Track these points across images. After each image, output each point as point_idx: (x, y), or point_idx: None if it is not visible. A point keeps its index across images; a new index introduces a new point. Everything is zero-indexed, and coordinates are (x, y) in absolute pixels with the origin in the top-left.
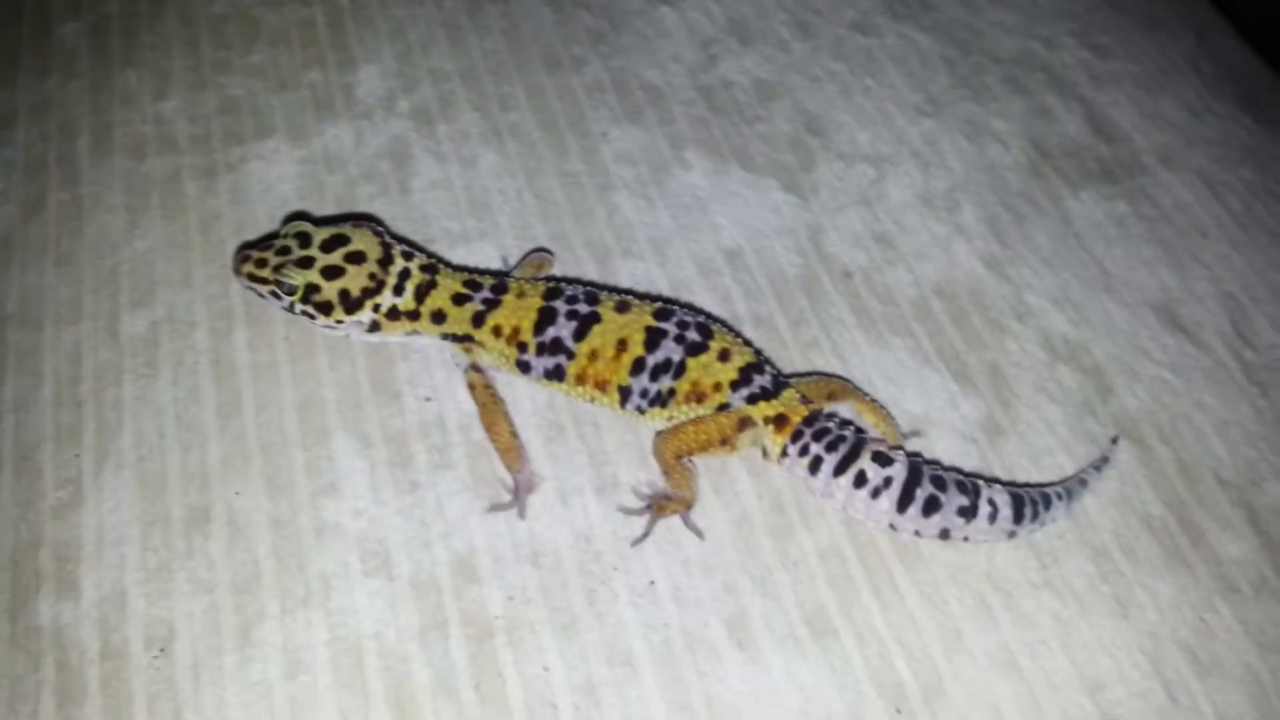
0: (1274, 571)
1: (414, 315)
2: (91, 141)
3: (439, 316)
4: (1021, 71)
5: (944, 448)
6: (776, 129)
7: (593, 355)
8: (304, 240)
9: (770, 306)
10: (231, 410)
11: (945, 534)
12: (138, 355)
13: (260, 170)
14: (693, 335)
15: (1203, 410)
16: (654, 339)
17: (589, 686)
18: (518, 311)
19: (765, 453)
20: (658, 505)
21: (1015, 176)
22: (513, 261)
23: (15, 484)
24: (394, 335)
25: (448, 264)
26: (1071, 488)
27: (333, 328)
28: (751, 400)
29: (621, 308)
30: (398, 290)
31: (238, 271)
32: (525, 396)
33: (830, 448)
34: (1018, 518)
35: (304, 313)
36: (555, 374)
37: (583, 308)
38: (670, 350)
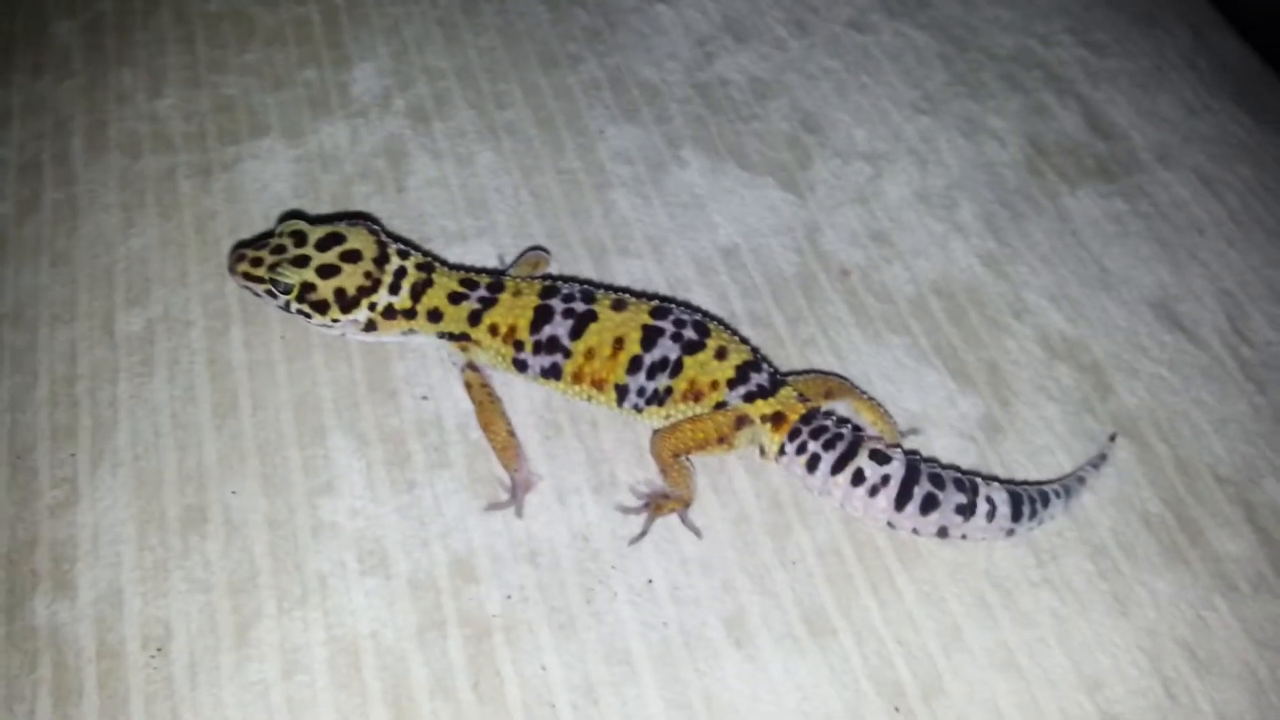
0: (1272, 569)
1: (410, 314)
2: (86, 140)
3: (435, 315)
4: (1018, 69)
5: (942, 445)
6: (773, 127)
7: (589, 354)
8: (299, 239)
9: (767, 304)
10: (227, 409)
11: (943, 532)
12: (133, 354)
13: (255, 169)
14: (690, 333)
15: (1201, 407)
16: (651, 337)
17: (587, 685)
18: (514, 310)
19: (763, 451)
20: (655, 504)
21: (1012, 174)
22: (509, 260)
23: (11, 483)
24: (390, 335)
25: (444, 262)
26: (1070, 485)
27: (328, 326)
28: (749, 398)
29: (618, 306)
30: (393, 289)
31: (233, 270)
32: (522, 395)
33: (828, 446)
34: (1016, 515)
35: (299, 311)
36: (552, 372)
37: (579, 306)
38: (667, 348)
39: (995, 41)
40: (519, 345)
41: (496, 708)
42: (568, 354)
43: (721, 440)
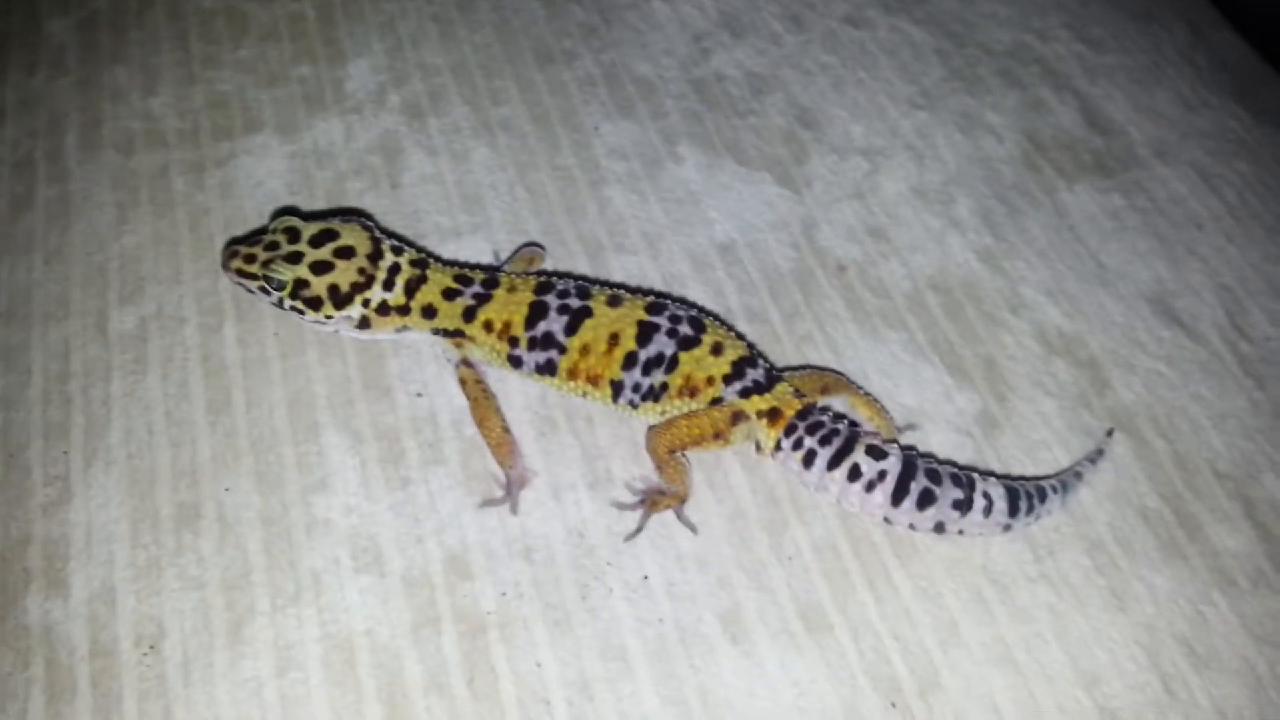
0: (1271, 564)
1: (404, 310)
2: (80, 137)
3: (429, 311)
4: (1015, 64)
5: (938, 441)
6: (769, 122)
7: (584, 350)
8: (293, 235)
9: (763, 300)
10: (221, 406)
11: (940, 527)
12: (127, 352)
13: (249, 165)
14: (685, 329)
15: (1199, 403)
16: (646, 333)
17: (582, 682)
18: (509, 306)
19: (759, 447)
20: (651, 500)
21: (1009, 169)
22: (504, 256)
23: (4, 481)
24: (384, 332)
25: (438, 259)
26: (1067, 481)
27: (322, 323)
28: (745, 394)
29: (613, 302)
30: (387, 285)
31: (226, 267)
32: (517, 391)
33: (824, 441)
34: (1013, 511)
35: (293, 308)
36: (547, 369)
37: (574, 302)
38: (662, 344)
39: (992, 37)
40: (514, 341)
41: (491, 704)
42: (563, 350)
43: (717, 436)
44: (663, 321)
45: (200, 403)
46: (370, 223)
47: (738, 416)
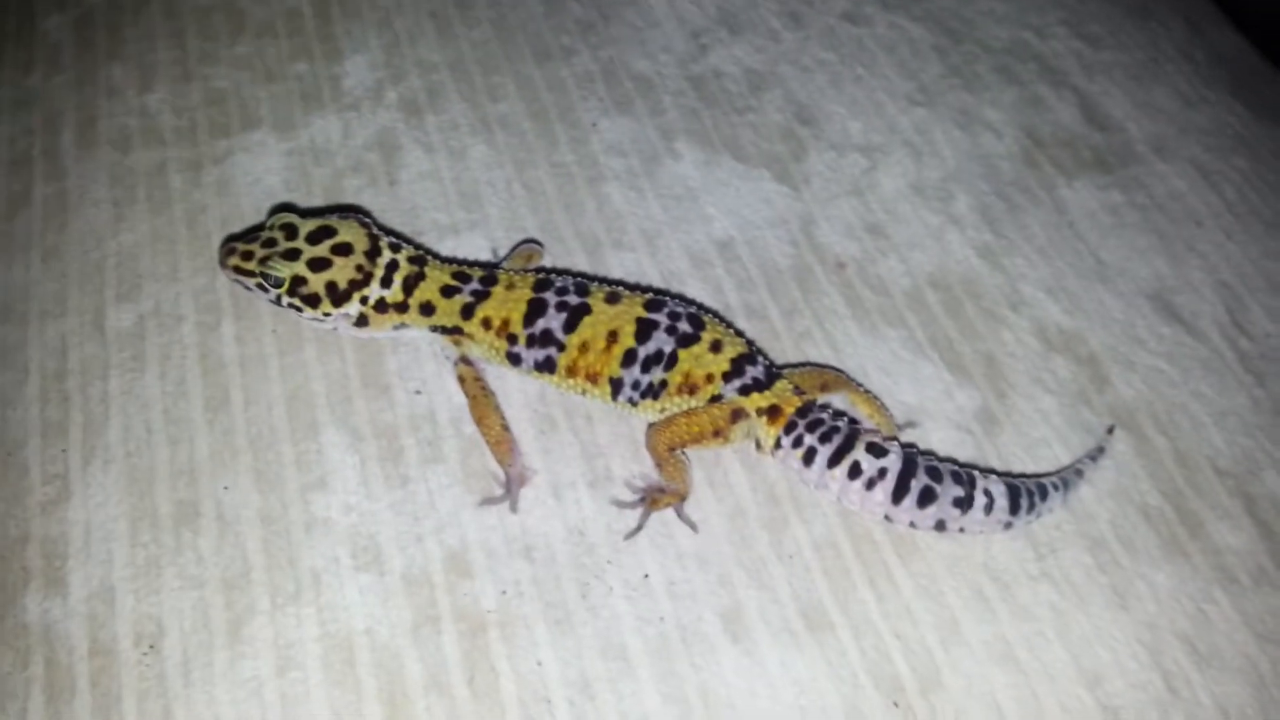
0: (1272, 561)
1: (402, 307)
2: (76, 135)
3: (427, 309)
4: (1013, 61)
5: (939, 438)
6: (768, 119)
7: (583, 347)
8: (290, 232)
9: (762, 297)
10: (219, 404)
11: (941, 525)
12: (124, 349)
13: (247, 162)
14: (684, 326)
15: (1199, 400)
16: (645, 330)
17: (583, 681)
18: (507, 303)
19: (759, 444)
20: (651, 498)
21: (1008, 166)
22: (502, 253)
23: (2, 480)
24: (382, 329)
25: (436, 256)
26: (1068, 478)
27: (320, 320)
28: (744, 392)
29: (612, 299)
30: (385, 282)
31: (224, 264)
32: (516, 389)
33: (824, 439)
34: (1014, 509)
35: (291, 305)
36: (546, 366)
37: (573, 299)
38: (661, 341)
39: (990, 34)
40: (512, 339)
41: (492, 704)
42: (562, 347)
43: (717, 434)
44: (662, 318)
45: (198, 400)
46: (368, 220)
47: (737, 414)
